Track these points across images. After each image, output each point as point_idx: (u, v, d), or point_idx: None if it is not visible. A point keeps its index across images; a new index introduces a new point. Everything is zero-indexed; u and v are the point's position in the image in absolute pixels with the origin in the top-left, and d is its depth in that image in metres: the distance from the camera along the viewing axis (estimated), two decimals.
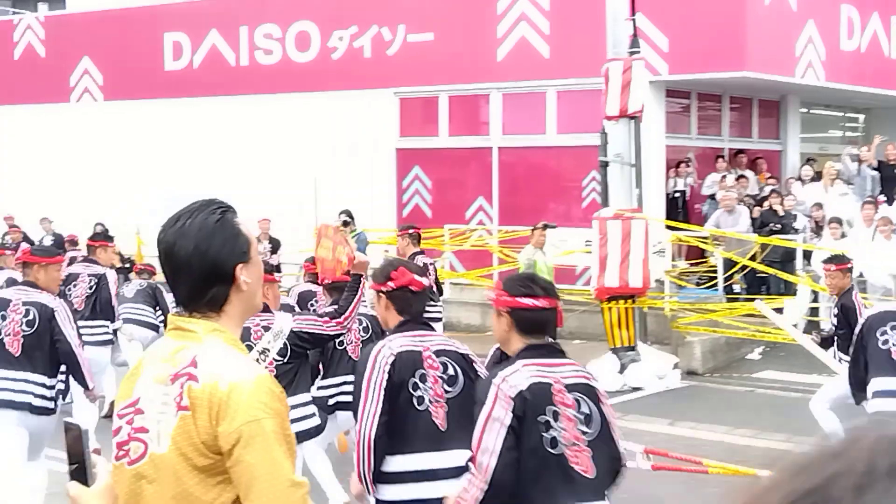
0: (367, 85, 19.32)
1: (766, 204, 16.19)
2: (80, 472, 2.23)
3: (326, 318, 6.58)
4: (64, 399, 7.86)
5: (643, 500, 7.68)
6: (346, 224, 15.02)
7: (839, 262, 8.09)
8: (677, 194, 17.72)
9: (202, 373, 2.52)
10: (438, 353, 4.89)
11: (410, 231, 12.57)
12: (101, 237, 11.97)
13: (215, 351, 2.58)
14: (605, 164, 13.60)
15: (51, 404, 7.44)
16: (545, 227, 14.24)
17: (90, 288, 10.34)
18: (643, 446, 7.81)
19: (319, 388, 7.82)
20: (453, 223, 18.10)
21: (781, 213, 15.76)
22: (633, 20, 13.51)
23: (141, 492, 2.58)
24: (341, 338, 7.31)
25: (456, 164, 19.01)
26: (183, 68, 21.71)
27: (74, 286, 10.30)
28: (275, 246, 16.11)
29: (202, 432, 2.49)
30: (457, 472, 4.48)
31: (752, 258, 14.67)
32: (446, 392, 4.82)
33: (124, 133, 21.90)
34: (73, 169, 22.43)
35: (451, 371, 4.88)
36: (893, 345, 6.14)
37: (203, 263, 2.60)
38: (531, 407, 4.02)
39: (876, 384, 6.28)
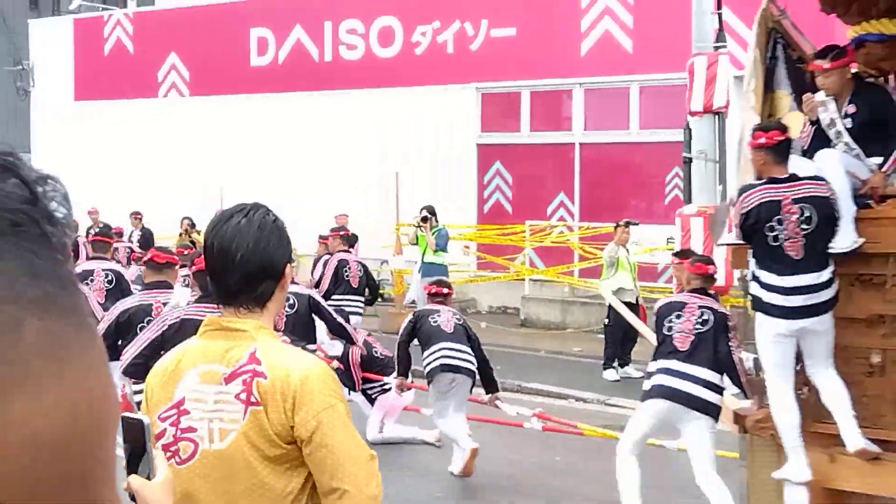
0: (449, 80, 19.34)
1: None
2: (142, 464, 2.26)
3: None
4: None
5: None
6: (425, 220, 15.03)
7: (684, 256, 8.09)
8: None
9: (268, 368, 2.61)
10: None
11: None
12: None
13: (271, 346, 2.69)
14: (688, 161, 13.41)
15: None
16: (628, 223, 14.10)
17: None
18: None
19: None
20: (534, 219, 18.03)
21: None
22: (720, 14, 13.29)
23: (194, 490, 2.66)
24: None
25: (537, 159, 18.93)
26: (268, 64, 21.95)
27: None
28: (352, 241, 16.22)
29: (275, 424, 2.59)
30: None
31: None
32: None
33: (210, 128, 22.22)
34: (160, 164, 22.82)
35: None
36: (677, 331, 6.73)
37: (261, 260, 2.70)
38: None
39: (655, 364, 6.91)
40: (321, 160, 20.49)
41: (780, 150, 5.53)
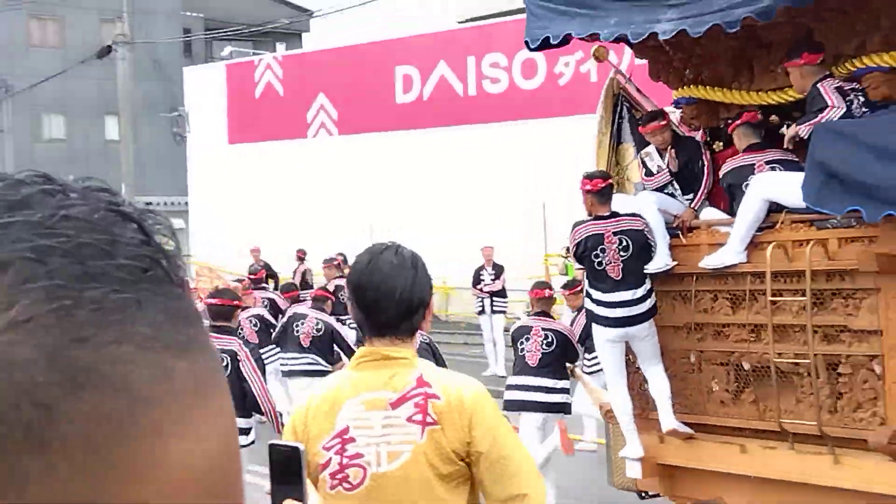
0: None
1: None
2: (295, 491, 2.32)
3: None
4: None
5: None
6: (568, 250, 14.92)
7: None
8: None
9: (440, 390, 2.82)
10: None
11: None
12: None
13: (433, 370, 2.96)
14: None
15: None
16: None
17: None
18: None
19: None
20: None
21: None
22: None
23: None
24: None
25: None
26: (413, 100, 22.29)
27: None
28: (498, 272, 16.28)
29: (452, 441, 2.78)
30: None
31: None
32: None
33: (359, 165, 22.64)
34: (311, 202, 23.33)
35: None
36: (527, 351, 8.50)
37: (416, 294, 2.93)
38: None
39: (509, 380, 8.87)
40: (467, 193, 20.63)
41: (603, 194, 6.85)
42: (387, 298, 2.89)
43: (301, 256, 20.08)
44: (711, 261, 6.31)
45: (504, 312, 16.51)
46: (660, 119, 7.10)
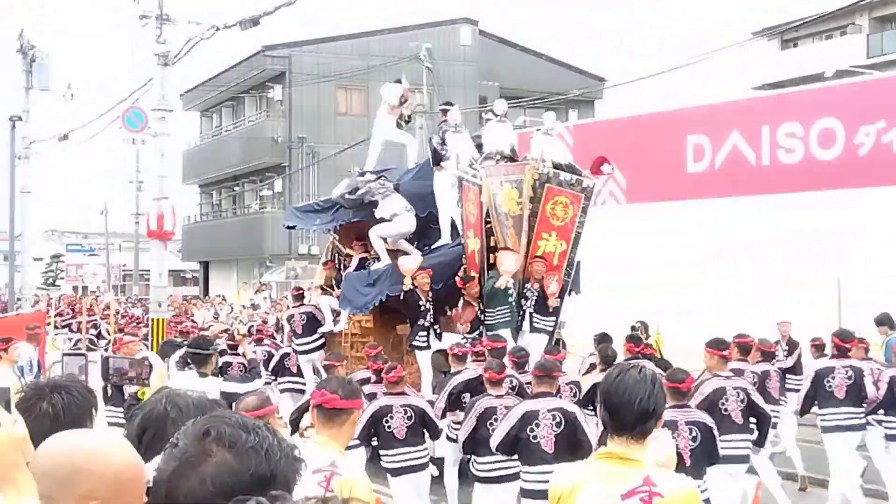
0: (894, 180, 18.40)
1: None
2: None
3: None
4: None
5: None
6: (880, 324, 14.07)
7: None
8: None
9: (664, 489, 3.58)
10: None
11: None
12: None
13: (660, 472, 3.65)
14: None
15: None
16: None
17: None
18: None
19: None
20: None
21: None
22: None
23: None
24: None
25: None
26: (704, 169, 22.07)
27: None
28: (792, 347, 15.69)
29: None
30: None
31: None
32: None
33: (646, 234, 22.58)
34: (598, 269, 23.46)
35: None
36: (541, 437, 7.78)
37: (652, 405, 3.68)
38: None
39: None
40: (760, 264, 20.14)
41: None
42: (627, 406, 3.64)
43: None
44: None
45: (797, 391, 15.50)
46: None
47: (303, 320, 14.75)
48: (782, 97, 21.38)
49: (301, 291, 15.72)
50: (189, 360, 9.69)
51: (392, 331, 14.36)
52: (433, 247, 14.39)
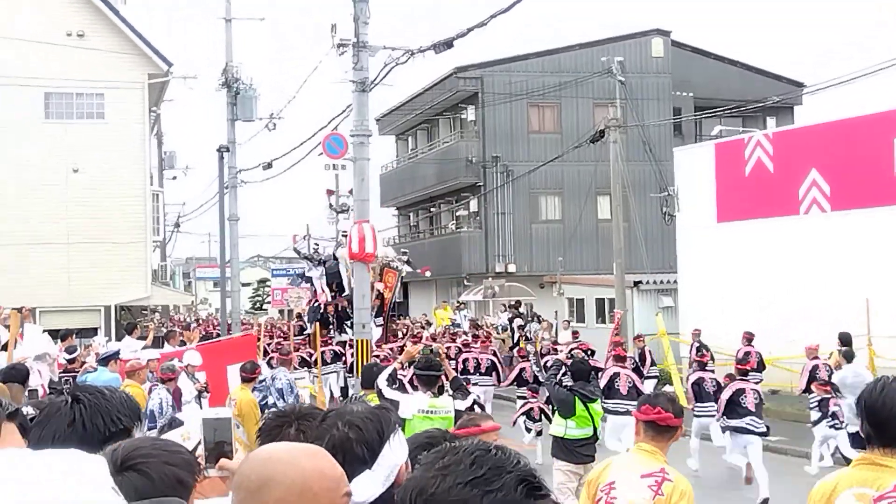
0: None
1: None
2: (228, 453, 2.76)
3: None
4: None
5: None
6: None
7: None
8: None
9: None
10: None
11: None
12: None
13: None
14: None
15: None
16: None
17: None
18: None
19: None
20: None
21: None
22: None
23: None
24: None
25: None
26: None
27: None
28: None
29: None
30: None
31: None
32: None
33: (852, 242, 21.76)
34: (801, 280, 22.75)
35: None
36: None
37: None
38: None
39: None
40: None
41: None
42: (892, 419, 3.66)
43: (749, 338, 20.05)
44: None
45: None
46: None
47: None
48: None
49: None
50: (413, 382, 9.71)
51: None
52: None
